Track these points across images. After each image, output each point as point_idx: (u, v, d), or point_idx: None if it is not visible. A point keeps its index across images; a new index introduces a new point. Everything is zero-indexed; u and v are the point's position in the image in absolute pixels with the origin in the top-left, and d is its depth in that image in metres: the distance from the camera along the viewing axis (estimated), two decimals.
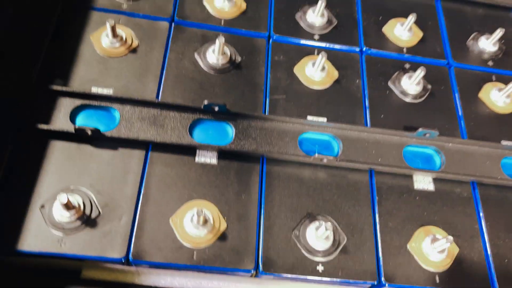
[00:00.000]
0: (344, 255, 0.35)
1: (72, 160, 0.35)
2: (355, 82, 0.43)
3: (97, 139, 0.36)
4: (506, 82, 0.45)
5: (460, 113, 0.44)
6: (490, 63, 0.48)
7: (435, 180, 0.40)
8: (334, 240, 0.35)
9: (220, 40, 0.39)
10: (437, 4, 0.51)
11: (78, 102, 0.37)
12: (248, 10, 0.45)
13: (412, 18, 0.45)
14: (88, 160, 0.35)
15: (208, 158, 0.37)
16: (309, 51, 0.44)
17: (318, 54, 0.42)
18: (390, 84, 0.44)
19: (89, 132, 0.35)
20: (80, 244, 0.32)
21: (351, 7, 0.48)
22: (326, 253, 0.34)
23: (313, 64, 0.42)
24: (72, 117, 0.37)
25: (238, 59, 0.42)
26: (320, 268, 0.34)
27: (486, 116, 0.44)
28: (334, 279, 0.34)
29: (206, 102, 0.37)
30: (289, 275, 0.33)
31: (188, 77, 0.40)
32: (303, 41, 0.45)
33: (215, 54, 0.41)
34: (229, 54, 0.42)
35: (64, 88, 0.37)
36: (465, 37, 0.49)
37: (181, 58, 0.41)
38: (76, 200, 0.33)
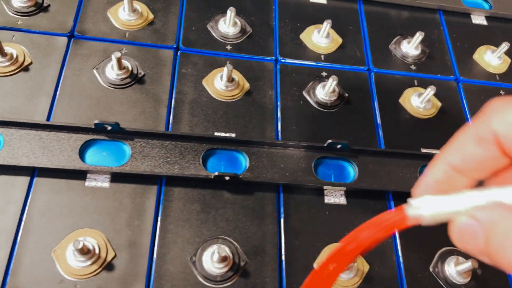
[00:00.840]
0: (244, 279, 0.33)
1: None
2: (267, 94, 0.42)
3: None
4: (427, 86, 0.43)
5: (378, 121, 0.42)
6: (413, 67, 0.47)
7: (348, 192, 0.38)
8: (234, 263, 0.33)
9: (115, 55, 0.37)
10: (359, 8, 0.50)
11: None
12: (156, 21, 0.43)
13: (327, 24, 0.44)
14: None
15: (99, 182, 0.35)
16: (221, 63, 0.42)
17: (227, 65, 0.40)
18: (304, 93, 0.42)
19: None
20: None
21: (267, 15, 0.47)
22: (225, 277, 0.32)
23: (221, 77, 0.40)
24: None
25: (141, 72, 0.40)
26: None
27: (406, 123, 0.43)
28: None
29: (97, 121, 0.34)
30: None
31: (85, 95, 0.38)
32: (213, 52, 0.43)
33: (114, 70, 0.39)
34: (130, 68, 0.39)
35: None
36: (387, 41, 0.48)
37: (78, 75, 0.39)
38: None
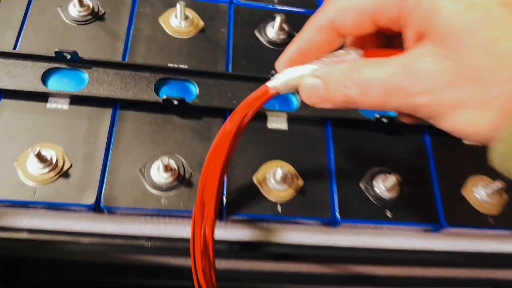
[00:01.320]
0: (189, 189, 0.37)
1: None
2: (220, 32, 0.45)
3: None
4: None
5: None
6: None
7: (290, 120, 0.41)
8: (179, 175, 0.37)
9: None
10: None
11: None
12: None
13: None
14: None
15: (59, 104, 0.38)
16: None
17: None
18: (256, 33, 0.46)
19: None
20: None
21: None
22: (169, 186, 0.36)
23: (176, 15, 0.43)
24: None
25: (102, 11, 0.43)
26: (163, 201, 0.36)
27: None
28: (177, 212, 0.36)
29: (56, 49, 0.38)
30: (131, 209, 0.35)
31: (49, 30, 0.42)
32: None
33: (76, 7, 0.42)
34: (91, 6, 0.43)
35: None
36: None
37: (44, 12, 0.42)
38: None
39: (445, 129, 0.24)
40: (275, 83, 0.29)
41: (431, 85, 0.23)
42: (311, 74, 0.27)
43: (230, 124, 0.30)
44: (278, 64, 0.29)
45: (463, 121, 0.23)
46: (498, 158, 0.22)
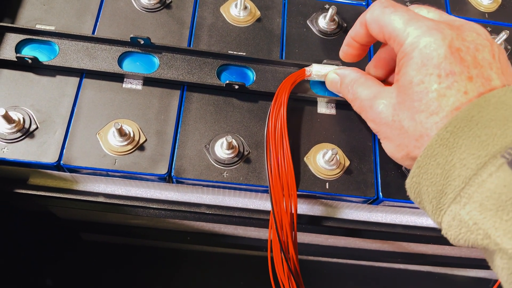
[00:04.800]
0: (247, 164, 0.41)
1: (16, 84, 0.41)
2: (275, 21, 0.48)
3: (37, 67, 0.42)
4: None
5: (371, 48, 0.49)
6: (408, 4, 0.52)
7: (338, 105, 0.45)
8: (239, 152, 0.41)
9: None
10: None
11: (23, 36, 0.43)
12: None
13: None
14: (30, 85, 0.41)
15: (134, 84, 0.43)
16: None
17: None
18: (308, 22, 0.49)
19: (29, 61, 0.41)
20: (20, 151, 0.38)
21: None
22: (231, 161, 0.40)
23: (236, 5, 0.47)
24: (18, 49, 0.43)
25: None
26: (225, 174, 0.40)
27: None
28: (237, 184, 0.40)
29: (132, 35, 0.42)
30: (198, 180, 0.40)
31: (123, 16, 0.46)
32: None
33: None
34: None
35: (11, 25, 0.42)
36: None
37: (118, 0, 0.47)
38: (17, 115, 0.39)
39: None
40: (311, 69, 0.43)
41: (377, 120, 0.35)
42: (333, 70, 0.41)
43: (282, 90, 0.42)
44: (340, 53, 0.42)
45: (388, 148, 0.36)
46: (408, 190, 0.31)
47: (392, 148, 0.34)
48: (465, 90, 0.29)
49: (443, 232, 0.29)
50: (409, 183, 0.31)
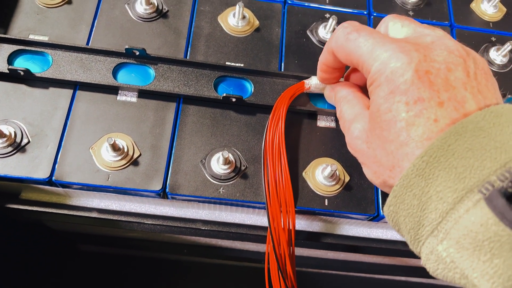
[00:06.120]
0: (244, 180, 0.40)
1: (7, 97, 0.40)
2: (274, 31, 0.47)
3: (30, 79, 0.41)
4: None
5: None
6: (411, 13, 0.51)
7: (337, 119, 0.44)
8: (236, 167, 0.40)
9: None
10: None
11: (16, 47, 0.42)
12: None
13: None
14: (22, 97, 0.40)
15: (128, 97, 0.42)
16: (235, 2, 0.48)
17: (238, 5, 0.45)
18: (308, 32, 0.48)
19: (22, 73, 0.40)
20: (11, 167, 0.37)
21: None
22: (228, 177, 0.39)
23: (234, 14, 0.46)
24: (11, 60, 0.42)
25: (166, 8, 0.46)
26: (221, 190, 0.39)
27: None
28: (233, 201, 0.39)
29: (127, 46, 0.41)
30: (193, 196, 0.39)
31: (118, 26, 0.45)
32: None
33: (142, 5, 0.45)
34: (156, 3, 0.46)
35: (3, 35, 0.41)
36: None
37: (113, 8, 0.46)
38: (8, 129, 0.38)
39: None
40: (310, 82, 0.42)
41: (353, 145, 0.34)
42: (330, 86, 0.41)
43: (280, 103, 0.41)
44: (318, 74, 0.41)
45: (367, 174, 0.34)
46: (386, 217, 0.30)
47: (370, 175, 0.33)
48: (435, 118, 0.27)
49: (422, 263, 0.27)
50: (386, 211, 0.29)
